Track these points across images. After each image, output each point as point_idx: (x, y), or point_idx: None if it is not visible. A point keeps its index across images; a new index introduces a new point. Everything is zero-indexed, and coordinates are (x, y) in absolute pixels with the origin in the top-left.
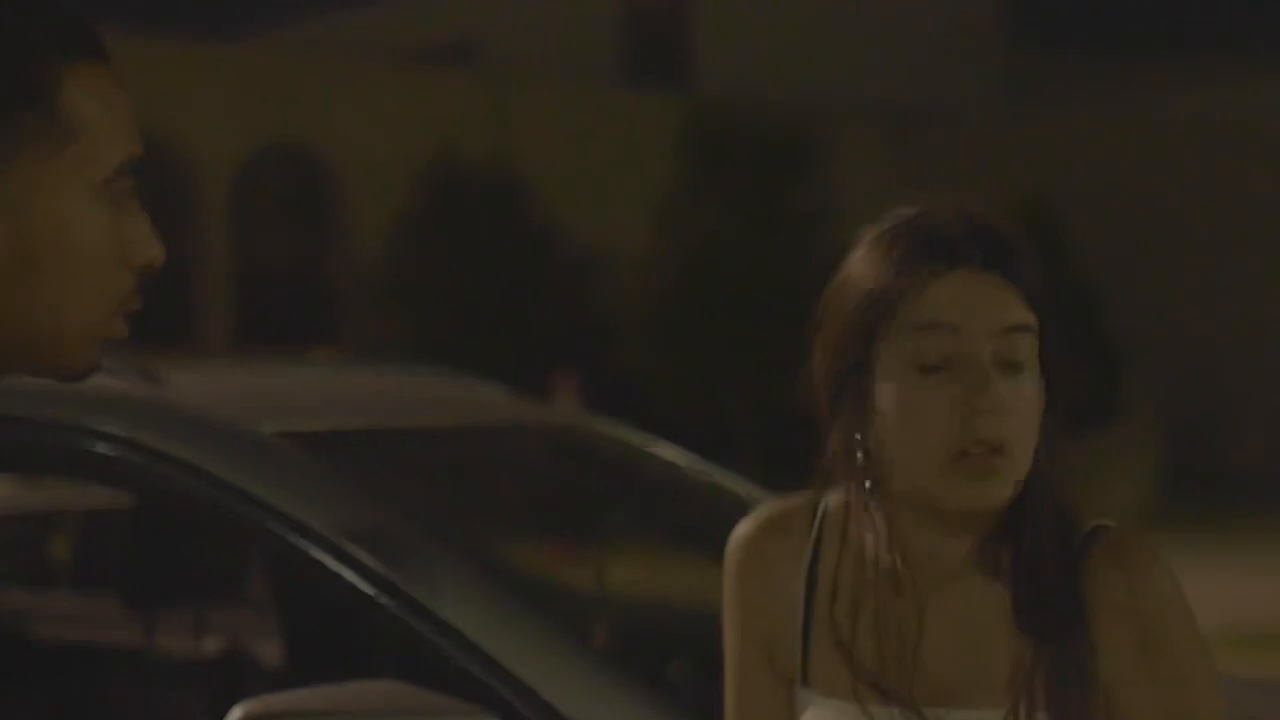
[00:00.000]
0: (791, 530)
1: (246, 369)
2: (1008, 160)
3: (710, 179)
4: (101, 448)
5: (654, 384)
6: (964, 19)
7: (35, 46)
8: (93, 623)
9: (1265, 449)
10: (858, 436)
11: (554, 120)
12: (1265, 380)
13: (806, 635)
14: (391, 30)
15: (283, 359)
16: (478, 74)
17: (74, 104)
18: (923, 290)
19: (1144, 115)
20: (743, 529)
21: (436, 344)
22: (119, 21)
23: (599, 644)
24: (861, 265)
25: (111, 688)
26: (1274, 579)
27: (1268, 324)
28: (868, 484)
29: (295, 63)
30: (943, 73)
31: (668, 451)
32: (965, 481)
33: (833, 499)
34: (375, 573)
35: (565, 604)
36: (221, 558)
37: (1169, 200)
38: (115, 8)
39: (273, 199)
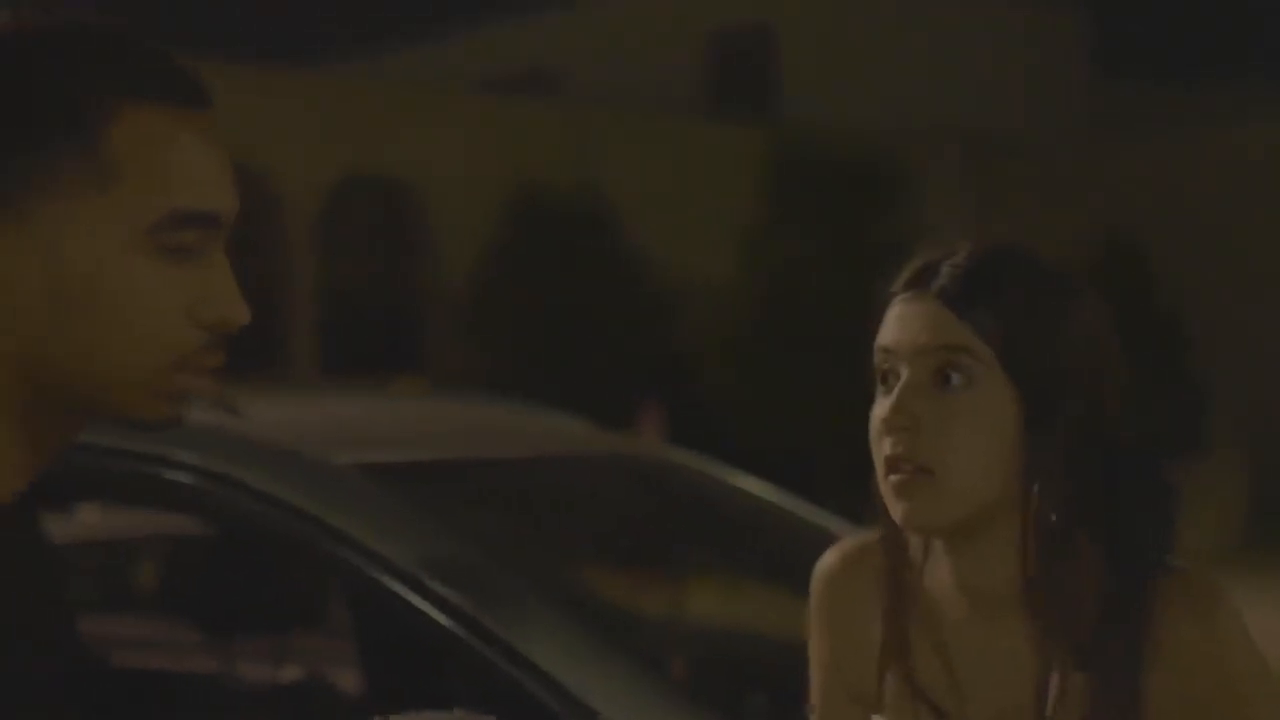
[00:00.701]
0: (874, 562)
1: (324, 400)
2: (1090, 189)
3: (794, 208)
4: (179, 477)
5: (739, 414)
6: (1046, 49)
7: (85, 82)
8: (175, 650)
9: None
10: None
11: (638, 149)
12: None
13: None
14: (476, 60)
15: (365, 388)
16: (562, 103)
17: (121, 145)
18: (884, 317)
19: (1227, 144)
20: (827, 560)
21: (521, 373)
22: (204, 48)
23: (679, 674)
24: None
25: (192, 715)
26: None
27: None
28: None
29: (381, 91)
30: (1025, 102)
31: (746, 482)
32: (893, 499)
33: None
34: (450, 602)
35: (644, 634)
36: (301, 586)
37: (1252, 229)
38: (201, 34)
39: (359, 227)
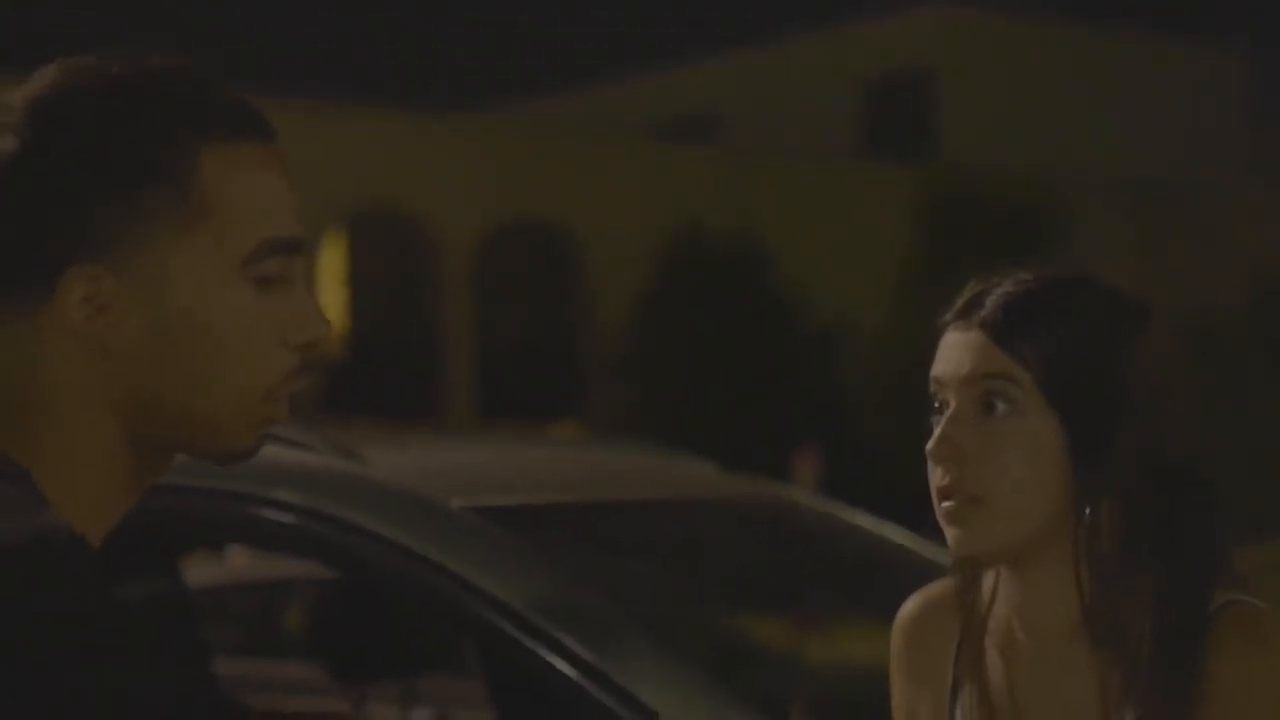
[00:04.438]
0: (951, 606)
1: (452, 445)
2: (1248, 234)
3: (950, 251)
4: (289, 518)
5: (895, 457)
6: (1206, 92)
7: (167, 125)
8: (310, 691)
9: None
10: None
11: (795, 194)
12: None
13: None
14: (633, 105)
15: (515, 434)
16: (719, 148)
17: (209, 183)
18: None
19: None
20: (907, 607)
21: (677, 418)
22: (363, 95)
23: (799, 719)
24: None
25: None
26: None
27: None
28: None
29: (537, 138)
30: (1184, 145)
31: (872, 524)
32: (945, 527)
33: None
34: (564, 645)
35: (765, 678)
36: (425, 629)
37: None
38: (360, 82)
39: (516, 273)
